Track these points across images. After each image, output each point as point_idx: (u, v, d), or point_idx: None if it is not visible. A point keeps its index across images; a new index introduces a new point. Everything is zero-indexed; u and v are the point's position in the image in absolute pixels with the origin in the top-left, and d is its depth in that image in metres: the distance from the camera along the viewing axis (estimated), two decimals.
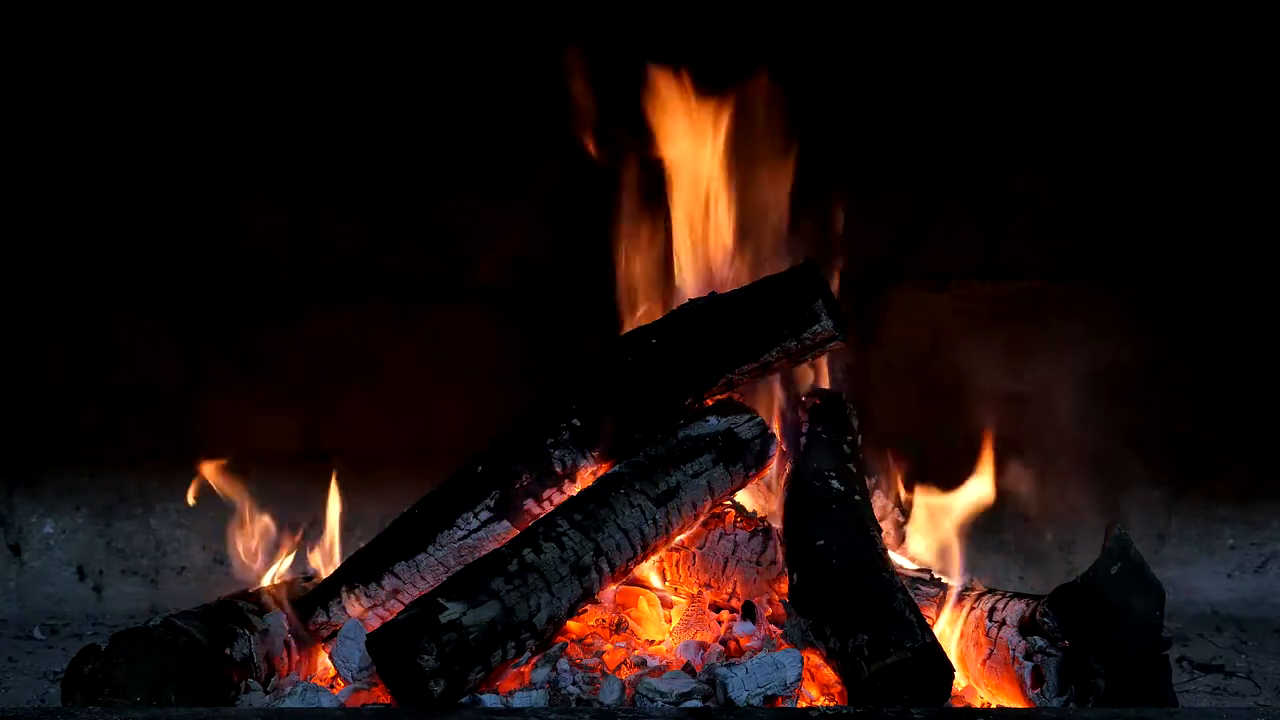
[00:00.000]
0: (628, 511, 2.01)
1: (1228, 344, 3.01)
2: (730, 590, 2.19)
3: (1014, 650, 1.88)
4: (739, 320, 2.15)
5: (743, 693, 1.81)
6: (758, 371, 2.18)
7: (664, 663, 1.99)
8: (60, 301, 2.93)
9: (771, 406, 2.36)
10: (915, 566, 2.25)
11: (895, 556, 2.27)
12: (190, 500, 2.48)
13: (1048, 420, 2.83)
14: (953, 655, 1.93)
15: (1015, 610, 1.93)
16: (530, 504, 2.14)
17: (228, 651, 1.94)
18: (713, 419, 2.16)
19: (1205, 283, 3.00)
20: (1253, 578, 3.05)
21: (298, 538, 2.35)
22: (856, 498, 2.13)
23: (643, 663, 1.99)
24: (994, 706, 1.92)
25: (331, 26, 2.86)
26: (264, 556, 2.33)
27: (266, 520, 2.36)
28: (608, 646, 2.04)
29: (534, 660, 1.91)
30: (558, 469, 2.15)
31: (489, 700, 1.82)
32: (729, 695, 1.81)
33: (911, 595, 1.91)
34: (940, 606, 2.08)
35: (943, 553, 2.27)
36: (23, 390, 2.95)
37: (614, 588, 2.13)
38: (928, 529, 2.32)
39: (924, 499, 2.35)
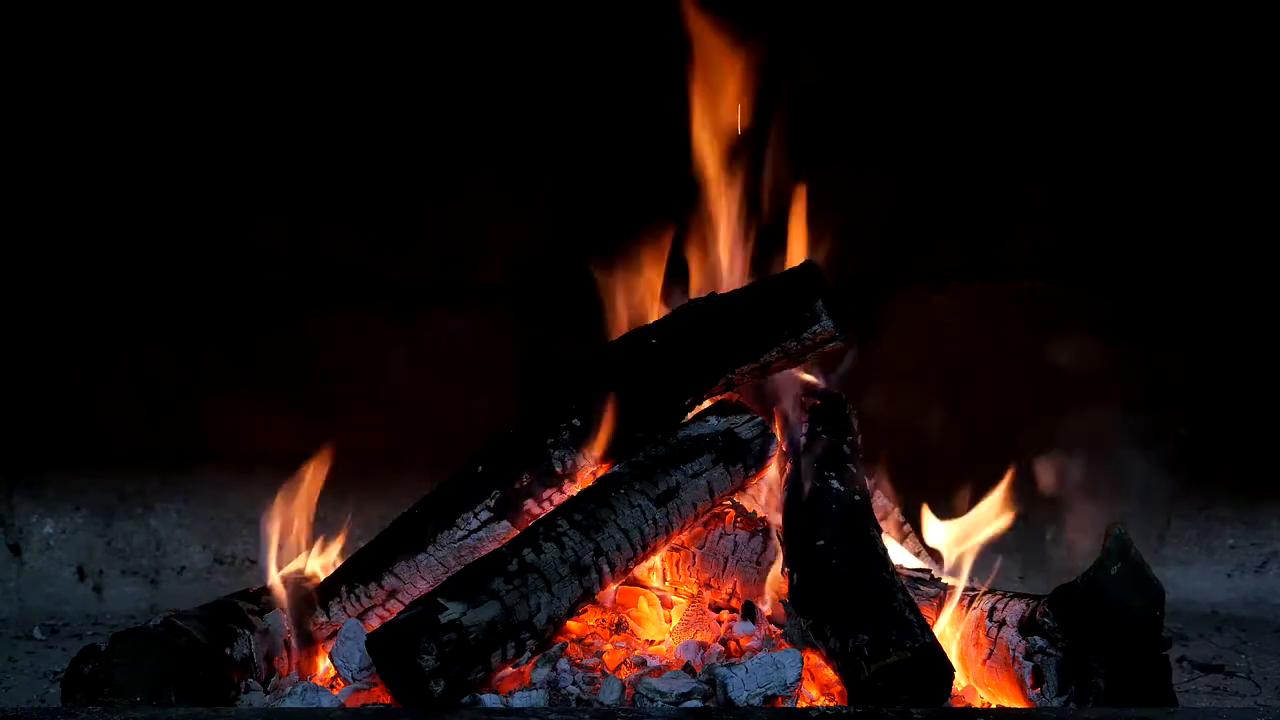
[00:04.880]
0: (628, 511, 2.01)
1: (1228, 344, 3.01)
2: (730, 590, 2.19)
3: (1014, 650, 1.88)
4: (739, 320, 2.15)
5: (743, 693, 1.81)
6: (758, 371, 2.18)
7: (664, 663, 1.99)
8: (62, 302, 2.93)
9: (771, 407, 2.36)
10: (915, 566, 2.25)
11: (897, 551, 2.27)
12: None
13: (1047, 420, 2.83)
14: (953, 655, 1.93)
15: (1015, 610, 1.93)
16: (530, 504, 2.14)
17: (228, 651, 1.94)
18: (713, 419, 2.16)
19: (1205, 283, 3.00)
20: (1253, 578, 3.05)
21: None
22: (856, 498, 2.13)
23: (643, 663, 1.99)
24: (994, 706, 1.92)
25: (333, 30, 2.86)
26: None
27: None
28: (608, 646, 2.04)
29: (534, 660, 1.91)
30: (558, 469, 2.15)
31: (489, 700, 1.82)
32: (729, 695, 1.81)
33: (911, 595, 1.91)
34: (940, 606, 2.08)
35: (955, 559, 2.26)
36: (23, 390, 2.95)
37: (614, 587, 2.13)
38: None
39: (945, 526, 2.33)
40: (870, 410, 2.50)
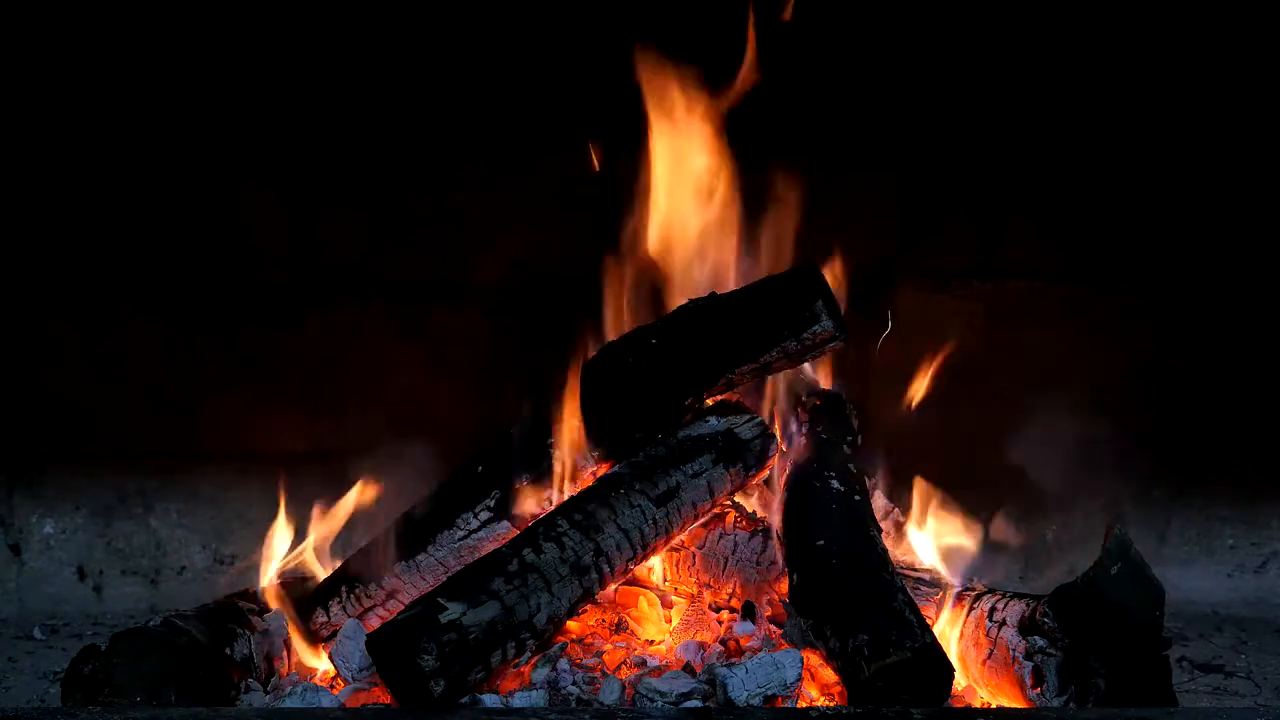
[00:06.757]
0: (628, 511, 2.01)
1: (1227, 344, 3.01)
2: (730, 590, 2.19)
3: (1014, 650, 1.88)
4: (739, 321, 2.15)
5: (743, 693, 1.81)
6: (758, 372, 2.18)
7: (664, 663, 1.99)
8: (62, 301, 2.93)
9: (771, 407, 2.36)
10: (915, 566, 2.25)
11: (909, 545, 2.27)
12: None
13: (1048, 420, 2.83)
14: (953, 655, 1.94)
15: (1015, 610, 1.93)
16: (530, 504, 2.14)
17: (228, 651, 1.94)
18: (713, 419, 2.16)
19: (1205, 283, 3.00)
20: (1253, 578, 3.05)
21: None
22: (856, 498, 2.13)
23: (643, 663, 1.99)
24: (994, 706, 1.92)
25: (333, 29, 2.86)
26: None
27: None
28: (608, 646, 2.04)
29: (534, 660, 1.91)
30: (558, 469, 2.15)
31: (489, 700, 1.82)
32: (729, 695, 1.81)
33: (911, 595, 1.91)
34: (940, 606, 2.08)
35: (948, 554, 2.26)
36: (23, 390, 2.95)
37: (614, 587, 2.13)
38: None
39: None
40: (870, 410, 2.50)
